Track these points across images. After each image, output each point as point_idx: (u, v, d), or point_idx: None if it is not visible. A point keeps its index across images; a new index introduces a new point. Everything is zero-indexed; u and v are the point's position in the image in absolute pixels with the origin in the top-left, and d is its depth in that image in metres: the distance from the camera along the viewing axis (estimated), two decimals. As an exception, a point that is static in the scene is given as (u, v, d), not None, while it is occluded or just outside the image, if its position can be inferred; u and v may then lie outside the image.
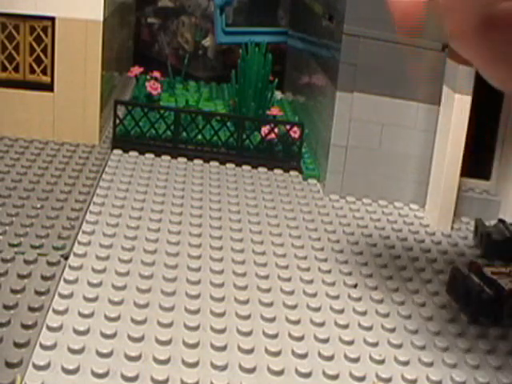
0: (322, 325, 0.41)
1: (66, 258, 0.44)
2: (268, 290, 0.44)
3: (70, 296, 0.40)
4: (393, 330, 0.41)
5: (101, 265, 0.44)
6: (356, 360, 0.38)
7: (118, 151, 0.64)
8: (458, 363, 0.39)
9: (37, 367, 0.34)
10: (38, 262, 0.43)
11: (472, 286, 0.43)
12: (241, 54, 0.71)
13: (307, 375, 0.36)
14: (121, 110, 0.65)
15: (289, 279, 0.45)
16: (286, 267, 0.47)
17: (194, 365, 0.35)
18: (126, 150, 0.64)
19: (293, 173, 0.65)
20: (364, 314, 0.43)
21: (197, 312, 0.40)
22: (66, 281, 0.42)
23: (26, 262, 0.43)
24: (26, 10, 0.61)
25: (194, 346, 0.37)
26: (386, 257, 0.51)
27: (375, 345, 0.39)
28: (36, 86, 0.63)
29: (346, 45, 0.58)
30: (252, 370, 0.36)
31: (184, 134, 0.65)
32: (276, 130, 0.65)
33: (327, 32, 0.65)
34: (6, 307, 0.38)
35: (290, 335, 0.39)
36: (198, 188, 0.58)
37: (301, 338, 0.39)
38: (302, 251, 0.50)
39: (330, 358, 0.38)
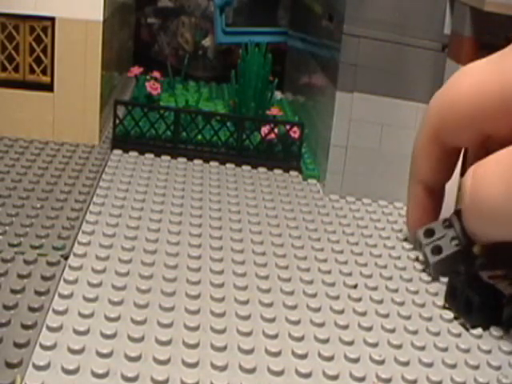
0: (321, 325, 0.41)
1: (66, 258, 0.44)
2: (268, 291, 0.44)
3: (70, 296, 0.40)
4: (393, 331, 0.41)
5: (101, 265, 0.44)
6: (356, 360, 0.38)
7: (117, 151, 0.64)
8: (458, 363, 0.39)
9: (37, 367, 0.34)
10: (38, 262, 0.43)
11: (471, 294, 0.43)
12: (241, 54, 0.71)
13: (307, 375, 0.36)
14: (121, 110, 0.65)
15: (289, 279, 0.45)
16: (286, 267, 0.47)
17: (194, 365, 0.35)
18: (125, 150, 0.64)
19: (293, 173, 0.65)
20: (364, 314, 0.43)
21: (197, 312, 0.40)
22: (65, 281, 0.42)
23: (26, 262, 0.43)
24: (25, 10, 0.62)
25: (194, 346, 0.37)
26: (386, 257, 0.51)
27: (375, 345, 0.39)
28: (36, 86, 0.63)
29: (346, 45, 0.58)
30: (252, 371, 0.36)
31: (184, 134, 0.65)
32: (276, 129, 0.65)
33: (327, 32, 0.65)
34: (6, 307, 0.38)
35: (290, 335, 0.39)
36: (197, 188, 0.58)
37: (301, 339, 0.39)
38: (302, 251, 0.50)
39: (330, 359, 0.38)
